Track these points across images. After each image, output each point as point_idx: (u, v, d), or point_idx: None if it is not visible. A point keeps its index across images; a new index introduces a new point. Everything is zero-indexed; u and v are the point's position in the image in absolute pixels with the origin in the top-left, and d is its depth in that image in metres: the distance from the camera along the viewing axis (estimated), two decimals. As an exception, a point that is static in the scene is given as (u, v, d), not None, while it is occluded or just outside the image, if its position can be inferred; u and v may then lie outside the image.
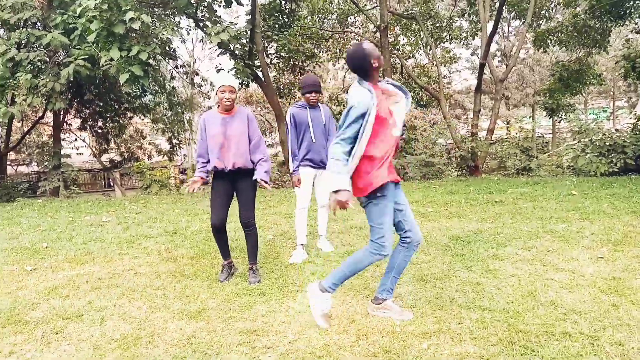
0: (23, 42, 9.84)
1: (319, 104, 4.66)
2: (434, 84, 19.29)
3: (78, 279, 4.32)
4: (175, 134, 16.22)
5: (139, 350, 2.86)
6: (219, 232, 4.05)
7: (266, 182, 3.93)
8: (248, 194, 4.03)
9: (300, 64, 15.17)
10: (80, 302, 3.73)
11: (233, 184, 4.03)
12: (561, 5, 14.67)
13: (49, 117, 16.70)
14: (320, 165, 4.61)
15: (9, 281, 4.38)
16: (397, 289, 3.70)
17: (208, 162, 4.01)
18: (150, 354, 2.80)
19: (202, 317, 3.34)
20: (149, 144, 21.30)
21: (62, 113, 14.86)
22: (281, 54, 14.46)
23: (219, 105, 3.95)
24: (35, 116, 17.52)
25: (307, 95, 4.52)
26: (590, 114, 37.40)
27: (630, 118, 12.13)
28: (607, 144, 10.22)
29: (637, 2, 12.01)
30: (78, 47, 8.61)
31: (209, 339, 2.97)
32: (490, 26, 13.02)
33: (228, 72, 11.58)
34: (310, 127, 4.55)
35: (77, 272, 4.58)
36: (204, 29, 10.19)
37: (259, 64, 12.38)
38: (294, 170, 4.61)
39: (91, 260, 4.99)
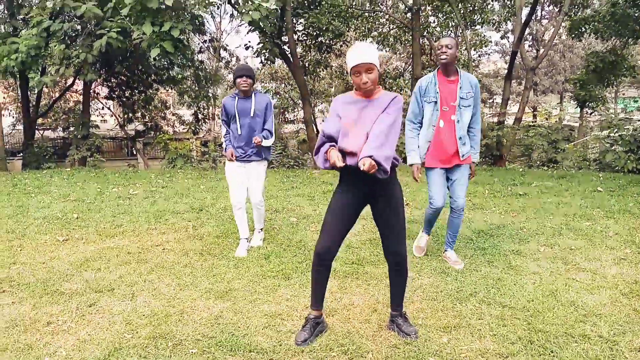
0: (56, 12, 9.97)
1: (257, 92, 4.42)
2: (462, 67, 18.98)
3: (108, 252, 4.48)
4: (201, 109, 16.35)
5: (169, 327, 2.99)
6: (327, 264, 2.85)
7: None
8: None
9: (327, 42, 15.05)
10: (112, 275, 3.89)
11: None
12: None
13: (77, 84, 16.96)
14: (249, 159, 4.40)
15: (43, 251, 4.57)
16: (418, 279, 3.77)
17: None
18: (180, 332, 2.93)
19: (228, 297, 3.46)
20: (172, 114, 21.50)
21: (91, 82, 15.06)
22: (309, 32, 14.38)
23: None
24: (65, 84, 17.79)
25: (238, 79, 4.27)
26: (619, 104, 36.46)
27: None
28: (637, 139, 10.01)
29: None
30: (111, 19, 8.70)
31: (236, 320, 3.08)
32: (525, 12, 12.71)
33: (256, 50, 11.58)
34: (237, 119, 4.33)
35: (107, 245, 4.74)
36: (236, 6, 10.17)
37: (287, 41, 12.35)
38: (225, 148, 4.47)
39: (120, 233, 5.15)
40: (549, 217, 5.66)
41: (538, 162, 11.98)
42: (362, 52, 2.60)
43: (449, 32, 18.60)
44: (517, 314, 3.15)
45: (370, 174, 2.50)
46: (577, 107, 15.60)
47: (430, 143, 3.93)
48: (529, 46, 27.93)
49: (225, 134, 4.47)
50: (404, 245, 2.81)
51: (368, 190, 2.76)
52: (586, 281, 3.70)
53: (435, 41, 18.62)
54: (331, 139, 2.72)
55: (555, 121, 12.54)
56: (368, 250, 4.50)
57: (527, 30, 26.83)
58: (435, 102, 3.86)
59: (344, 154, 2.66)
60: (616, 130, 10.83)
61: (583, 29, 14.37)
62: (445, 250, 4.20)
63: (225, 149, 4.44)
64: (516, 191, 7.35)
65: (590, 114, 17.82)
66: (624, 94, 36.11)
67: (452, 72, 3.88)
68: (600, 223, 5.35)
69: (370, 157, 2.46)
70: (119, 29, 8.57)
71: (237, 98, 4.35)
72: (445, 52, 3.76)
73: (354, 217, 2.83)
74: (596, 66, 14.42)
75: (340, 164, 2.55)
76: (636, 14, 12.89)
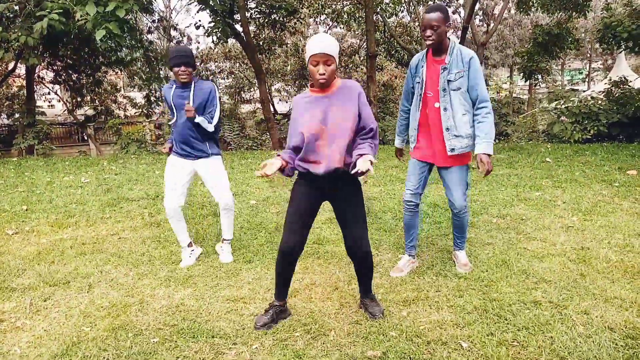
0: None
1: (198, 80, 3.72)
2: (415, 44, 19.15)
3: (62, 244, 4.34)
4: (153, 91, 15.89)
5: (128, 317, 2.94)
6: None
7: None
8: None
9: (281, 19, 14.82)
10: (66, 268, 3.78)
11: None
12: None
13: (20, 68, 16.13)
14: (191, 155, 3.74)
15: (-8, 245, 4.38)
16: (377, 256, 3.85)
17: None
18: (141, 322, 2.89)
19: (189, 283, 3.43)
20: (123, 97, 20.83)
21: (34, 67, 14.35)
22: (262, 9, 14.11)
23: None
24: (6, 68, 16.88)
25: (175, 69, 3.58)
26: (566, 75, 37.81)
27: (605, 84, 12.32)
28: (582, 111, 10.43)
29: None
30: (51, -1, 8.27)
31: (197, 307, 3.07)
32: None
33: (207, 29, 11.28)
34: (175, 110, 3.70)
35: (61, 236, 4.59)
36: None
37: (239, 20, 12.08)
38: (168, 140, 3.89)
39: (74, 224, 5.00)
40: (500, 189, 5.85)
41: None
42: (322, 43, 2.52)
43: (402, 8, 18.62)
44: (472, 284, 3.26)
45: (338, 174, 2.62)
46: (523, 79, 16.03)
47: (417, 130, 3.43)
48: (480, 21, 28.40)
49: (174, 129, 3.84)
50: (366, 240, 2.79)
51: (328, 187, 2.76)
52: (537, 250, 3.87)
53: (389, 17, 18.68)
54: (297, 149, 2.71)
55: (506, 95, 12.89)
56: (328, 229, 4.54)
57: (478, 6, 27.28)
58: (419, 84, 3.33)
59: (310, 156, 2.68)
60: (563, 102, 11.25)
61: (531, 3, 14.70)
62: (455, 250, 3.69)
63: (169, 141, 3.85)
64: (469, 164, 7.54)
65: (535, 85, 18.38)
66: (569, 66, 37.41)
67: (442, 50, 3.24)
68: (549, 192, 5.58)
69: (370, 161, 2.47)
70: (61, 10, 8.14)
71: (174, 87, 3.69)
72: (430, 37, 3.14)
73: (315, 212, 2.83)
74: (542, 39, 14.83)
75: (269, 172, 2.55)
76: (579, -12, 13.26)
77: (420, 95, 3.34)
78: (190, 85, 3.66)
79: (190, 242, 3.92)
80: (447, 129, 3.27)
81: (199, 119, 3.62)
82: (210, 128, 3.69)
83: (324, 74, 2.57)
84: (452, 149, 3.29)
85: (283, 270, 2.82)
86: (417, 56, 3.42)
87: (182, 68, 3.56)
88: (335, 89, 2.69)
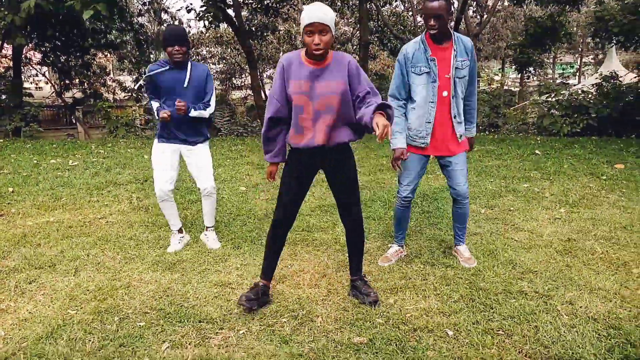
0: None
1: (193, 62, 3.63)
2: (409, 33, 19.07)
3: (48, 227, 4.30)
4: (143, 75, 15.70)
5: (115, 301, 2.93)
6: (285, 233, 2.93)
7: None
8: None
9: (274, 5, 14.69)
10: (52, 251, 3.74)
11: None
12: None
13: (6, 48, 15.83)
14: (187, 141, 3.69)
15: (-24, 227, 4.33)
16: (366, 244, 3.85)
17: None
18: (128, 305, 2.87)
19: (177, 268, 3.41)
20: (113, 81, 20.58)
21: (22, 47, 14.09)
22: (254, -6, 13.95)
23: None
24: (-8, 49, 16.56)
25: (169, 48, 3.47)
26: (557, 69, 37.96)
27: (596, 78, 12.40)
28: (573, 104, 10.49)
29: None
30: (39, -22, 8.10)
31: (185, 291, 3.05)
32: (468, -23, 12.82)
33: (199, 12, 11.14)
34: (168, 94, 3.57)
35: (47, 219, 4.55)
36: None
37: (231, 4, 11.94)
38: (157, 113, 3.60)
39: (60, 206, 4.94)
40: (489, 180, 5.88)
41: (480, 127, 12.36)
42: (317, 11, 2.43)
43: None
44: (459, 273, 3.28)
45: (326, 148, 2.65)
46: (515, 71, 16.09)
47: (431, 124, 3.24)
48: (473, 12, 28.33)
49: (158, 108, 3.61)
50: (357, 207, 2.86)
51: (320, 158, 2.76)
52: (524, 240, 3.90)
53: (383, 6, 18.57)
54: (278, 120, 2.70)
55: (497, 87, 12.92)
56: (317, 217, 4.54)
57: (472, -4, 27.17)
58: (429, 73, 3.15)
59: (299, 128, 2.66)
60: (553, 95, 11.30)
61: (524, -4, 14.69)
62: (456, 245, 3.61)
63: (157, 112, 3.57)
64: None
65: (528, 77, 18.45)
66: (561, 60, 37.54)
67: (445, 38, 3.16)
68: (538, 184, 5.62)
69: (388, 119, 2.38)
70: (49, -11, 8.01)
71: (168, 68, 3.53)
72: (434, 27, 3.05)
73: (307, 186, 2.86)
74: (535, 31, 14.86)
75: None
76: (573, -19, 13.27)
77: (435, 81, 3.16)
78: (186, 66, 3.55)
79: (181, 228, 3.90)
80: (455, 116, 3.24)
81: (194, 114, 3.56)
82: (206, 115, 3.64)
83: (319, 44, 2.48)
84: (460, 136, 3.31)
85: (274, 243, 2.87)
86: (411, 46, 3.22)
87: (176, 47, 3.44)
88: (328, 63, 2.62)
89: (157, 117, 3.61)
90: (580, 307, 2.80)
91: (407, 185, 3.42)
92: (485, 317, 2.71)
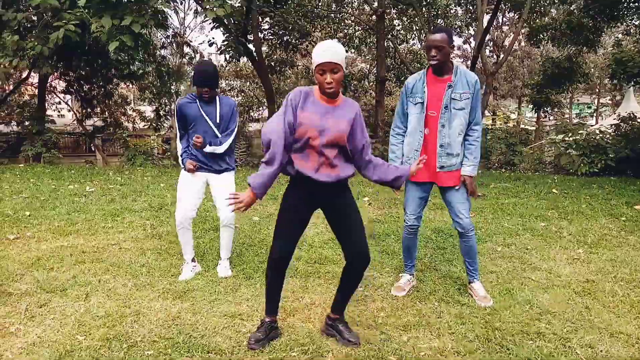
0: (10, 0, 9.57)
1: (221, 96, 3.81)
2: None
3: (62, 251, 4.31)
4: (163, 105, 16.03)
5: (124, 328, 2.90)
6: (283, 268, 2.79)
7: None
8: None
9: (293, 41, 15.02)
10: (65, 275, 3.74)
11: None
12: (556, 2, 14.69)
13: (33, 77, 16.33)
14: (212, 169, 3.79)
15: (-8, 249, 4.36)
16: (379, 278, 3.79)
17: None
18: (136, 333, 2.84)
19: (187, 297, 3.38)
20: (133, 110, 20.99)
21: (47, 76, 14.53)
22: (275, 30, 14.30)
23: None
24: (19, 76, 17.10)
25: (199, 89, 3.64)
26: (574, 109, 37.89)
27: (614, 119, 12.33)
28: (590, 144, 10.41)
29: (631, 3, 12.11)
30: (69, 10, 8.40)
31: (194, 321, 3.02)
32: (486, 18, 13.02)
33: (220, 47, 11.42)
34: (207, 120, 3.70)
35: (61, 243, 4.57)
36: (200, 1, 10.01)
37: (252, 40, 12.24)
38: (182, 160, 3.79)
39: (75, 232, 4.98)
40: (506, 218, 5.80)
41: (496, 165, 12.30)
42: (329, 50, 2.46)
43: (413, 35, 18.82)
44: (475, 312, 3.20)
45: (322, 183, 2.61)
46: (533, 111, 16.08)
47: (419, 152, 3.35)
48: (490, 52, 28.61)
49: (185, 147, 3.81)
50: (366, 244, 2.71)
51: (321, 195, 2.72)
52: (541, 280, 3.81)
53: (400, 44, 18.88)
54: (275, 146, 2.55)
55: (514, 125, 12.92)
56: (330, 249, 4.49)
57: (488, 36, 27.55)
58: (422, 104, 3.31)
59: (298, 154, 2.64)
60: (571, 134, 11.24)
61: (541, 36, 14.85)
62: (470, 282, 3.53)
63: (183, 161, 3.77)
64: (476, 192, 7.51)
65: (545, 117, 18.42)
66: (578, 100, 37.51)
67: (445, 70, 3.29)
68: (555, 224, 5.52)
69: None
70: (77, 22, 8.28)
71: (198, 102, 3.70)
72: (435, 57, 3.19)
73: (307, 221, 2.77)
74: (552, 71, 14.93)
75: (243, 210, 2.58)
76: (590, 24, 13.40)
77: (423, 114, 3.32)
78: (215, 99, 3.73)
79: (194, 258, 3.91)
80: (442, 145, 3.31)
81: (209, 149, 3.68)
82: (220, 150, 3.73)
83: (331, 83, 2.52)
84: (442, 167, 3.33)
85: (272, 280, 2.77)
86: (413, 77, 3.42)
87: (206, 89, 3.61)
88: (339, 103, 2.66)
89: (182, 165, 3.79)
90: (601, 351, 2.71)
91: (411, 214, 3.48)
92: (501, 358, 2.63)
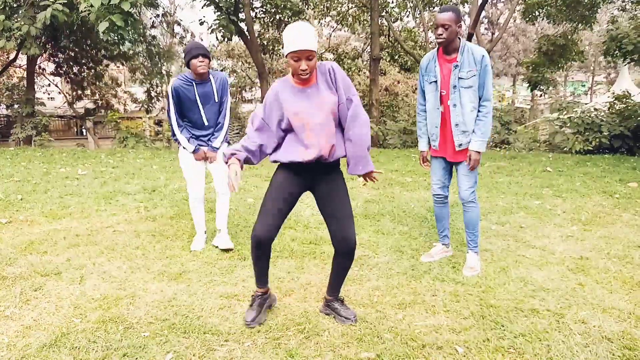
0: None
1: (212, 72, 3.86)
2: (419, 49, 19.14)
3: (55, 235, 4.29)
4: (154, 86, 15.85)
5: (120, 310, 2.89)
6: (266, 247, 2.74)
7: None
8: None
9: (286, 19, 14.84)
10: (59, 259, 3.73)
11: None
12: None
13: (21, 58, 16.08)
14: (210, 145, 3.92)
15: (-16, 233, 4.33)
16: (375, 258, 3.80)
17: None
18: (132, 315, 2.84)
19: (182, 279, 3.38)
20: (124, 92, 20.78)
21: (36, 57, 14.29)
22: (267, 9, 14.11)
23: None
24: (7, 58, 16.83)
25: (193, 60, 3.67)
26: (569, 87, 37.90)
27: (608, 97, 12.32)
28: (585, 122, 10.41)
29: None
30: (56, -11, 8.23)
31: (190, 302, 3.02)
32: (480, -5, 12.88)
33: (211, 25, 11.25)
34: (200, 107, 3.80)
35: (54, 227, 4.54)
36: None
37: (244, 18, 12.07)
38: (194, 150, 3.87)
39: (68, 215, 4.95)
40: (500, 196, 5.81)
41: (491, 143, 12.30)
42: (302, 37, 2.40)
43: (407, 13, 18.61)
44: (469, 290, 3.22)
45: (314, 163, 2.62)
46: (528, 89, 16.03)
47: (438, 129, 3.51)
48: (485, 29, 28.43)
49: (182, 130, 3.85)
50: (352, 229, 2.68)
51: (310, 176, 2.71)
52: (535, 258, 3.83)
53: (394, 22, 18.68)
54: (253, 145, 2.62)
55: (508, 104, 12.89)
56: (326, 230, 4.48)
57: (483, 14, 27.32)
58: (436, 82, 3.43)
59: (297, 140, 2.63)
60: (565, 112, 11.23)
61: (536, 13, 14.72)
62: (467, 251, 3.69)
63: (196, 149, 3.84)
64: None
65: (540, 96, 18.40)
66: (572, 78, 37.48)
67: (452, 49, 3.36)
68: (549, 202, 5.55)
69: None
70: (65, 1, 8.11)
71: (194, 83, 3.75)
72: (441, 35, 3.26)
73: (294, 202, 2.75)
74: (547, 49, 14.85)
75: (236, 190, 2.49)
76: (585, 0, 13.29)
77: (437, 93, 3.45)
78: (209, 79, 3.80)
79: (205, 231, 4.14)
80: (457, 124, 3.41)
81: (219, 145, 3.92)
82: (223, 134, 3.98)
83: (306, 69, 2.48)
84: (460, 144, 3.44)
85: (257, 258, 2.73)
86: (427, 56, 3.54)
87: (200, 58, 3.67)
88: (316, 80, 2.63)
89: (195, 149, 3.89)
90: (594, 326, 2.73)
91: (435, 183, 3.71)
92: (496, 334, 2.65)
